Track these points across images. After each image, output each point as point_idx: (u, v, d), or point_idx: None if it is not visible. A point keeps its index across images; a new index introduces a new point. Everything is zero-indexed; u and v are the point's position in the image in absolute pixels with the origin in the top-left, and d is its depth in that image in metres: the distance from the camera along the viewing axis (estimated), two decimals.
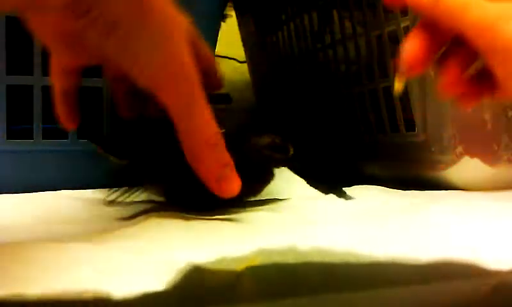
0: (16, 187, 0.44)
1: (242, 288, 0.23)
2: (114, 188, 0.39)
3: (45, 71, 0.45)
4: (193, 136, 0.32)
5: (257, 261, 0.23)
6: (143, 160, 0.39)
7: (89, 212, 0.37)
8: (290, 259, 0.24)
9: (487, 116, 0.45)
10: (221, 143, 0.33)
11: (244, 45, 0.83)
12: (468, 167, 0.46)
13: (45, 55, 0.44)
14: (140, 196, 0.40)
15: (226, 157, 0.33)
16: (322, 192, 0.45)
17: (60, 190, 0.44)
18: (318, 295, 0.22)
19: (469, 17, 0.27)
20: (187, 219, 0.33)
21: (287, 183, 0.48)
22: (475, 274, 0.24)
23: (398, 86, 0.30)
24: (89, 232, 0.30)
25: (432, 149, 0.47)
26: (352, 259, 0.24)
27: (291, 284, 0.23)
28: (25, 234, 0.29)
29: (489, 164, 0.46)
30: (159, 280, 0.20)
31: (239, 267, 0.23)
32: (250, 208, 0.39)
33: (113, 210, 0.37)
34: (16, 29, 0.44)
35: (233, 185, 0.33)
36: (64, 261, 0.22)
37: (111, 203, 0.39)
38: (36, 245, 0.25)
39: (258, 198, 0.43)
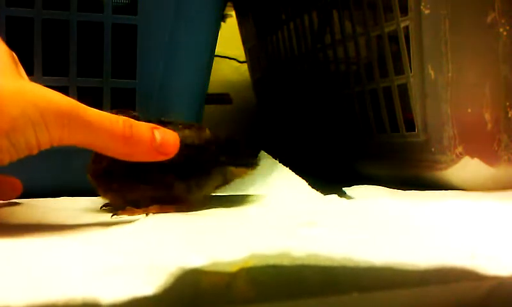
0: None
1: (236, 291, 0.22)
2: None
3: (46, 72, 0.45)
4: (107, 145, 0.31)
5: (251, 264, 0.23)
6: None
7: (87, 216, 0.37)
8: (286, 262, 0.24)
9: (487, 116, 0.45)
10: (133, 128, 0.31)
11: (244, 45, 0.83)
12: (468, 167, 0.45)
13: (46, 55, 0.44)
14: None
15: (144, 132, 0.31)
16: (322, 192, 0.45)
17: (60, 193, 0.44)
18: (314, 297, 0.22)
19: None
20: (180, 221, 0.33)
21: (286, 183, 0.48)
22: (474, 277, 0.23)
23: None
24: (82, 235, 0.29)
25: (432, 149, 0.47)
26: (349, 264, 0.24)
27: (287, 287, 0.23)
28: (17, 239, 0.28)
29: (489, 164, 0.45)
30: (150, 284, 0.19)
31: (233, 269, 0.23)
32: (246, 209, 0.39)
33: (106, 214, 0.37)
34: (16, 29, 0.44)
35: (169, 142, 0.32)
36: (52, 265, 0.22)
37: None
38: (25, 249, 0.25)
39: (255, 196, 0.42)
